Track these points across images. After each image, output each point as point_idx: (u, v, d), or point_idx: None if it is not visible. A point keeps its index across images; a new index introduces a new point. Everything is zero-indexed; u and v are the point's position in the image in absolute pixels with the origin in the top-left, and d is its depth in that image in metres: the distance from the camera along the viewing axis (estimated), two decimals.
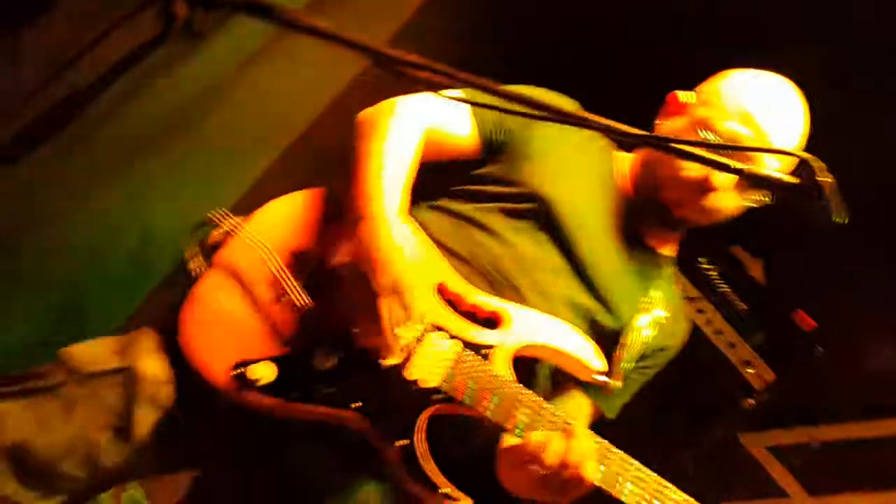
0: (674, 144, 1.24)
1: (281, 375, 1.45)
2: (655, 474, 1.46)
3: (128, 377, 1.50)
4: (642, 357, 1.72)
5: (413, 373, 1.47)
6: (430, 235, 1.63)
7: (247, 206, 1.69)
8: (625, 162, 1.79)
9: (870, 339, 3.33)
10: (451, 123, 1.68)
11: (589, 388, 1.70)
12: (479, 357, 1.50)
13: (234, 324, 1.50)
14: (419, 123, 1.63)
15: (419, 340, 1.49)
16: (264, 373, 1.44)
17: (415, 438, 1.44)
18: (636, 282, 1.72)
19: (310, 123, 2.82)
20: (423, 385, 1.47)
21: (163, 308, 1.60)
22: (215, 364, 1.47)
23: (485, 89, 1.07)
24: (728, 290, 3.02)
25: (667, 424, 2.89)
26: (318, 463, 1.56)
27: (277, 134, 2.76)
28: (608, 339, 1.65)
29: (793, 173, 1.22)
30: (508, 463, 1.52)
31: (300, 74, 2.60)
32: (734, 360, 2.93)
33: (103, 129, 2.16)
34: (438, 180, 1.70)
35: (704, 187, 1.62)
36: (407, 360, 1.48)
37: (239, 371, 1.44)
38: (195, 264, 1.56)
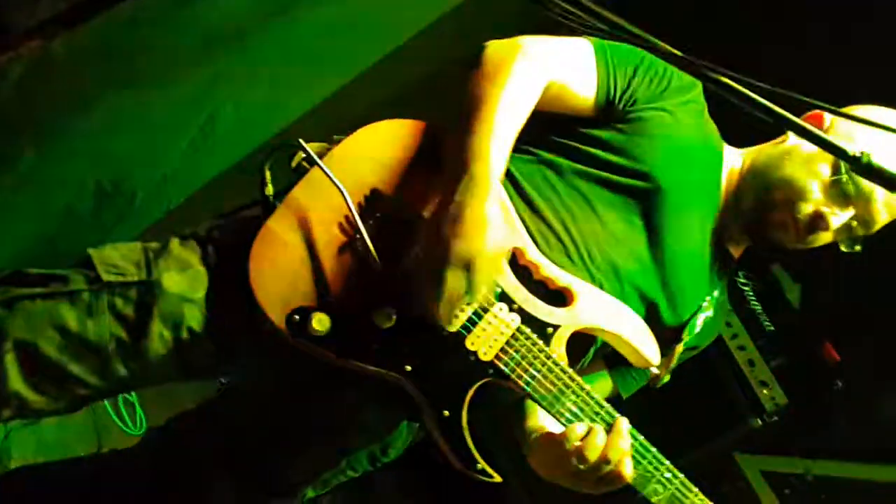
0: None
1: (339, 329, 1.40)
2: (683, 475, 1.47)
3: (149, 290, 1.44)
4: None
5: (474, 343, 1.45)
6: (518, 188, 1.56)
7: (320, 120, 1.61)
8: (736, 162, 1.73)
9: (888, 386, 3.31)
10: (575, 81, 1.57)
11: (618, 371, 1.70)
12: (539, 335, 1.48)
13: (300, 265, 1.43)
14: (544, 75, 1.52)
15: (484, 309, 1.46)
16: (323, 323, 1.39)
17: (461, 410, 1.43)
18: (706, 283, 1.70)
19: (412, 35, 2.66)
20: (481, 357, 1.45)
21: (226, 223, 1.55)
22: (276, 303, 1.41)
23: (645, 46, 1.00)
24: (759, 308, 3.00)
25: (670, 424, 2.89)
26: (352, 402, 1.54)
27: (373, 42, 2.60)
28: (664, 332, 1.63)
29: None
30: (545, 450, 1.51)
31: None
32: (751, 378, 2.92)
33: (180, 12, 2.04)
34: (542, 125, 1.58)
35: (815, 225, 1.58)
36: (468, 329, 1.45)
37: (297, 317, 1.40)
38: (271, 190, 1.48)
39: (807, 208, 1.59)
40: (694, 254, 1.65)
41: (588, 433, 1.41)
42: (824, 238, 1.62)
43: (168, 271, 1.46)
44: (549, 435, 1.52)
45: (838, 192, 1.59)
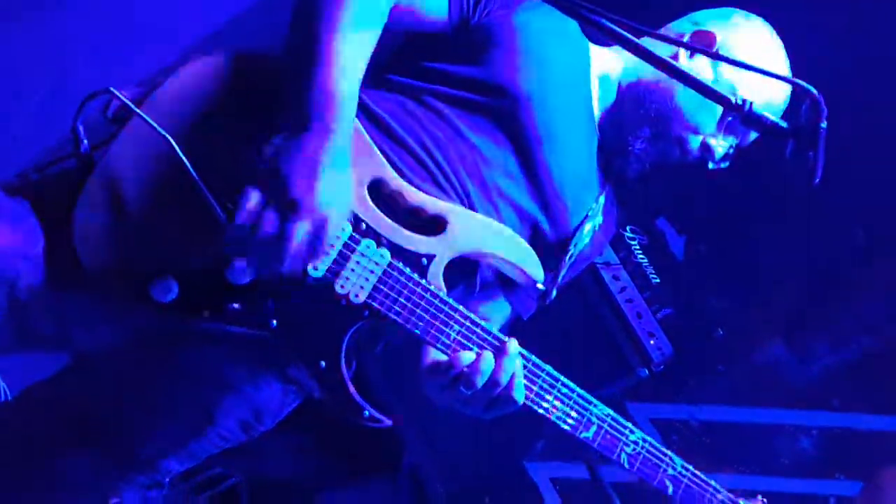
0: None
1: (188, 291, 1.31)
2: (581, 389, 1.47)
3: None
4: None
5: (343, 286, 1.36)
6: (375, 118, 1.46)
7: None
8: (612, 66, 1.68)
9: (764, 334, 3.47)
10: None
11: (513, 293, 1.67)
12: (413, 267, 1.41)
13: (133, 227, 1.31)
14: None
15: (350, 248, 1.38)
16: (168, 288, 1.29)
17: (339, 359, 1.36)
18: (590, 190, 1.66)
19: None
20: (353, 300, 1.37)
21: (43, 177, 1.40)
22: (112, 272, 1.30)
23: None
24: (646, 261, 3.07)
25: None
26: (211, 361, 1.43)
27: None
28: (551, 247, 1.60)
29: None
30: (433, 379, 1.47)
31: None
32: (639, 329, 2.99)
33: None
34: (399, 52, 1.50)
35: (703, 156, 1.62)
36: (336, 273, 1.36)
37: (138, 285, 1.29)
38: (87, 144, 1.34)
39: (697, 141, 1.61)
40: (570, 162, 1.61)
41: (476, 356, 1.38)
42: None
43: None
44: (436, 363, 1.48)
45: (728, 128, 1.62)
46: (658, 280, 3.05)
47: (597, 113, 1.66)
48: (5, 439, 1.44)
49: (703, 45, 1.59)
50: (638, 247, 3.10)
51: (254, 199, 1.25)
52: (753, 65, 1.42)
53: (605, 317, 2.99)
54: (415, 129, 1.48)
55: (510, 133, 1.53)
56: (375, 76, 1.46)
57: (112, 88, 1.31)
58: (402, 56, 1.50)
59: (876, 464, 3.04)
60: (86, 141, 1.32)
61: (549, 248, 1.61)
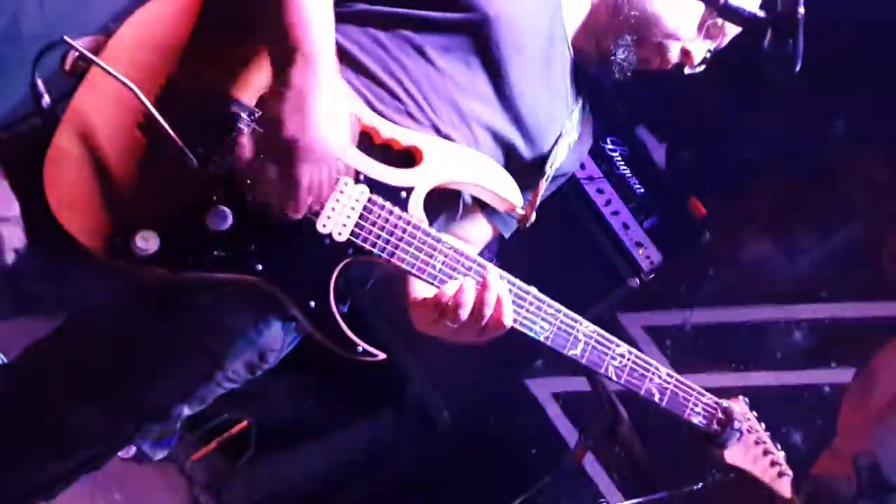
0: None
1: (169, 241, 1.28)
2: (566, 309, 1.49)
3: None
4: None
5: (325, 225, 1.35)
6: (343, 49, 1.42)
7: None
8: None
9: (750, 233, 3.50)
10: None
11: (494, 212, 1.66)
12: (393, 201, 1.40)
13: (105, 181, 1.27)
14: None
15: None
16: (148, 240, 1.26)
17: (327, 297, 1.35)
18: (563, 105, 1.63)
19: None
20: (336, 239, 1.36)
21: (9, 138, 1.36)
22: (90, 230, 1.27)
23: None
24: (629, 172, 3.06)
25: (552, 295, 2.96)
26: (209, 306, 1.42)
27: None
28: (527, 168, 1.59)
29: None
30: (423, 314, 1.47)
31: None
32: (626, 240, 3.00)
33: None
34: None
35: (682, 62, 1.59)
36: (316, 212, 1.35)
37: (118, 240, 1.26)
38: (49, 99, 1.28)
39: (677, 48, 1.59)
40: (542, 81, 1.58)
41: (459, 288, 1.38)
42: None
43: None
44: (421, 299, 1.49)
45: (706, 31, 1.59)
46: (642, 190, 3.05)
47: (568, 28, 1.62)
48: (11, 401, 1.44)
49: None
50: (620, 158, 3.08)
51: (247, 147, 1.24)
52: None
53: (592, 231, 2.99)
54: (382, 59, 1.45)
55: (481, 54, 1.50)
56: (336, 5, 1.40)
57: (67, 38, 1.25)
58: None
59: (867, 349, 3.11)
60: (47, 96, 1.28)
61: (526, 169, 1.59)
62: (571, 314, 1.50)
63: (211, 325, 1.44)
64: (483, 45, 1.48)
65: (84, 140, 1.27)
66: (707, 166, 3.42)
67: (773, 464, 1.69)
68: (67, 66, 1.28)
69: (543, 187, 1.61)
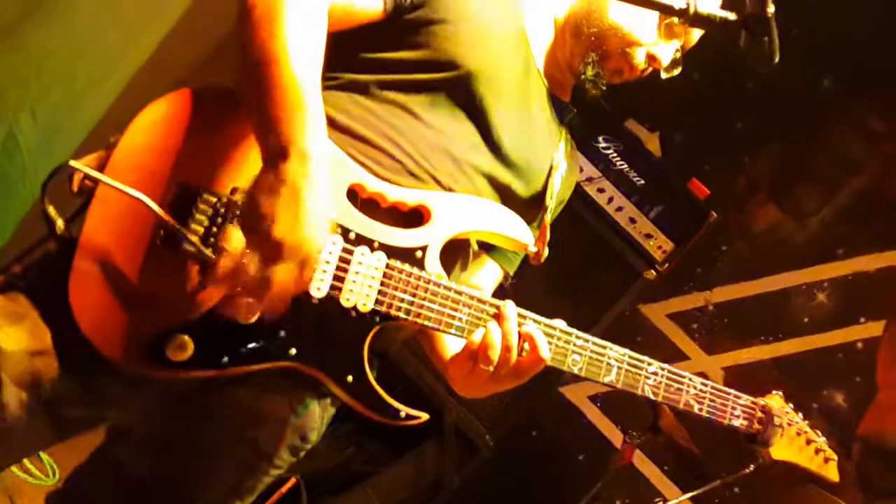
0: None
1: (203, 343, 1.29)
2: (593, 337, 1.49)
3: None
4: None
5: (349, 299, 1.37)
6: (335, 120, 1.43)
7: (130, 109, 1.42)
8: (546, 17, 1.69)
9: (756, 204, 3.50)
10: None
11: (497, 252, 1.69)
12: (410, 262, 1.41)
13: (132, 294, 1.28)
14: (321, 1, 1.36)
15: (346, 262, 1.37)
16: (184, 345, 1.27)
17: (363, 369, 1.36)
18: (548, 140, 1.67)
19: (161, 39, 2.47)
20: (361, 310, 1.37)
21: (35, 264, 1.35)
22: (125, 347, 1.27)
23: None
24: (626, 167, 3.06)
25: (574, 302, 2.97)
26: (247, 399, 1.42)
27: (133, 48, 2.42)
28: (527, 205, 1.62)
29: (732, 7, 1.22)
30: (458, 371, 1.47)
31: None
32: (635, 234, 3.00)
33: None
34: (339, 48, 1.44)
35: (650, 65, 1.63)
36: (338, 288, 1.36)
37: (153, 351, 1.27)
38: (62, 224, 1.29)
39: (640, 53, 1.63)
40: (524, 120, 1.61)
41: (486, 331, 1.40)
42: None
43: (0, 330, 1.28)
44: (455, 356, 1.50)
45: (668, 32, 1.63)
46: (642, 181, 3.04)
47: (539, 61, 1.65)
48: None
49: None
50: (615, 154, 3.08)
51: (235, 238, 1.24)
52: None
53: (600, 231, 2.99)
54: (373, 123, 1.46)
55: (465, 107, 1.52)
56: (323, 79, 1.40)
57: (73, 162, 1.27)
58: (337, 53, 1.44)
59: (894, 297, 3.09)
60: (59, 221, 1.29)
61: (526, 206, 1.62)
62: (599, 341, 1.50)
63: (250, 417, 1.43)
64: (466, 97, 1.51)
65: (104, 258, 1.28)
66: (702, 146, 3.42)
67: (817, 451, 1.72)
68: (75, 188, 1.29)
69: (548, 221, 1.62)
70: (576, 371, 1.47)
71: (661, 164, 3.13)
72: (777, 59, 1.30)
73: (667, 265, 3.00)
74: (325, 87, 1.40)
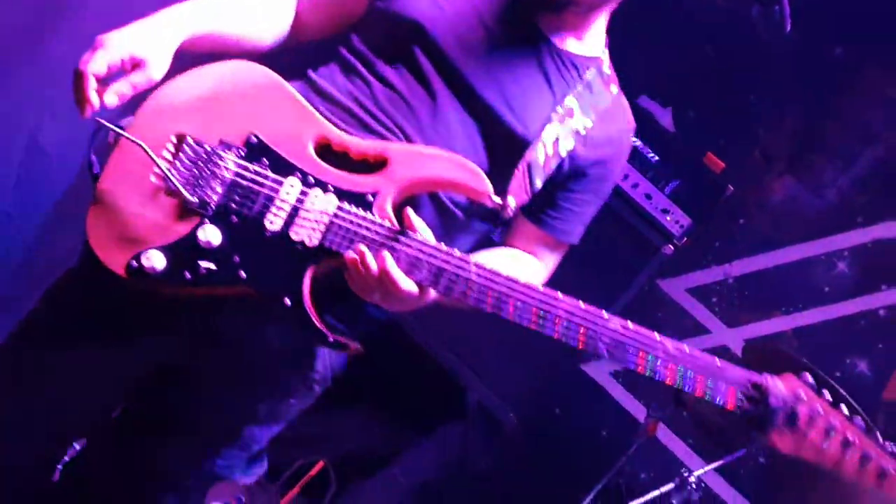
0: None
1: (172, 260, 1.51)
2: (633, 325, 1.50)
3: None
4: (575, 174, 1.69)
5: (298, 233, 1.53)
6: (317, 88, 1.65)
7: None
8: None
9: (773, 176, 3.49)
10: None
11: (533, 217, 1.73)
12: (360, 206, 1.53)
13: (132, 218, 1.54)
14: None
15: (300, 202, 1.53)
16: (157, 261, 1.51)
17: (300, 295, 1.51)
18: (544, 92, 1.65)
19: None
20: (308, 244, 1.52)
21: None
22: (116, 260, 1.53)
23: None
24: (640, 143, 3.07)
25: (595, 278, 2.98)
26: (248, 326, 1.62)
27: None
28: (512, 157, 1.63)
29: None
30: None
31: None
32: (652, 210, 3.01)
33: None
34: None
35: None
36: (289, 224, 1.53)
37: (134, 261, 1.51)
38: (96, 167, 1.58)
39: None
40: (502, 65, 1.63)
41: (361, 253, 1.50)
42: None
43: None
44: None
45: None
46: (657, 157, 3.05)
47: (541, 23, 1.66)
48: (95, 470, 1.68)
49: None
50: None
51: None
52: None
53: (617, 208, 3.00)
54: (347, 88, 1.64)
55: (430, 58, 1.61)
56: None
57: (99, 119, 1.53)
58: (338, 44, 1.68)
59: None
60: (97, 164, 1.56)
61: (503, 159, 1.63)
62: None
63: (252, 346, 1.63)
64: (427, 50, 1.62)
65: (113, 189, 1.56)
66: (716, 120, 3.42)
67: (843, 444, 1.43)
68: (111, 140, 1.58)
69: (534, 175, 1.63)
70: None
71: (675, 138, 3.14)
72: (789, 28, 1.32)
73: (685, 239, 3.01)
74: (326, 65, 1.69)
